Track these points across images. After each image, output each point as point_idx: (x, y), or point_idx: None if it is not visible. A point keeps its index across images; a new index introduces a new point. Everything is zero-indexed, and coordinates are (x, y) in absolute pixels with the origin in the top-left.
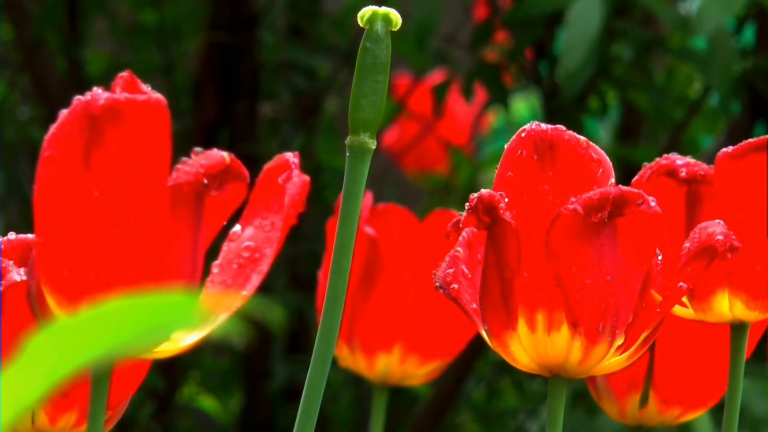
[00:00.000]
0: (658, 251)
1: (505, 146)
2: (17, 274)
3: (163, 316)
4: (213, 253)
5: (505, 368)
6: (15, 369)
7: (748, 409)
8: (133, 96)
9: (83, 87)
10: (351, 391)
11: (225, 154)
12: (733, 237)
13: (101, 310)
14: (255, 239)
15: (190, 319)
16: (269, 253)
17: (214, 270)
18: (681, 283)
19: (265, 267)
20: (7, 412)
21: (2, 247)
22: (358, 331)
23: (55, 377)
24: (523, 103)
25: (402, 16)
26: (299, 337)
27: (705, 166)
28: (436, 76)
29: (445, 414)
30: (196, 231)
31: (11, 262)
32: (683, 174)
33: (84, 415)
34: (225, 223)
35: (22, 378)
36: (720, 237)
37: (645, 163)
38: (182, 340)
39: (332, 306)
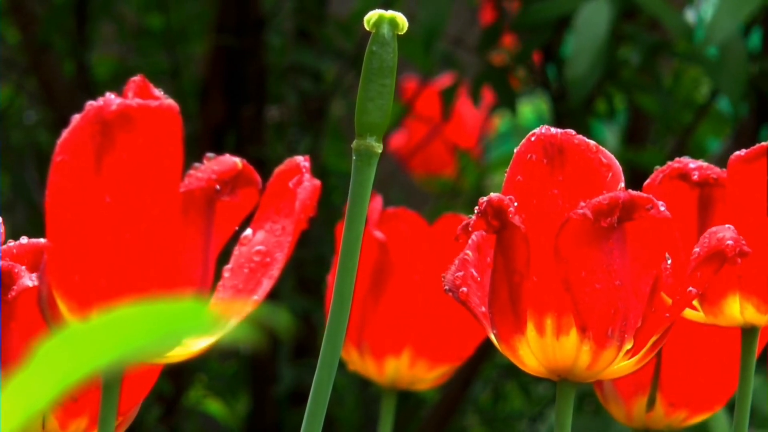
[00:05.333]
0: (667, 256)
1: (515, 150)
2: (29, 280)
3: (175, 322)
4: (224, 256)
5: (511, 372)
6: (26, 374)
7: (758, 408)
8: (145, 102)
9: (90, 91)
10: (357, 395)
11: (237, 160)
12: (743, 242)
13: (113, 316)
14: (266, 243)
15: (202, 325)
16: (280, 258)
17: (225, 274)
18: (690, 288)
19: (276, 272)
20: (18, 417)
21: (14, 251)
22: (368, 335)
23: (66, 383)
24: (529, 107)
25: (408, 19)
26: (306, 341)
27: (717, 169)
28: (443, 80)
29: (451, 417)
30: (208, 236)
31: (23, 267)
32: (695, 177)
33: (94, 420)
34: (237, 228)
35: (33, 383)
36: (730, 242)
37: (656, 167)
38: (193, 345)
39: (339, 309)
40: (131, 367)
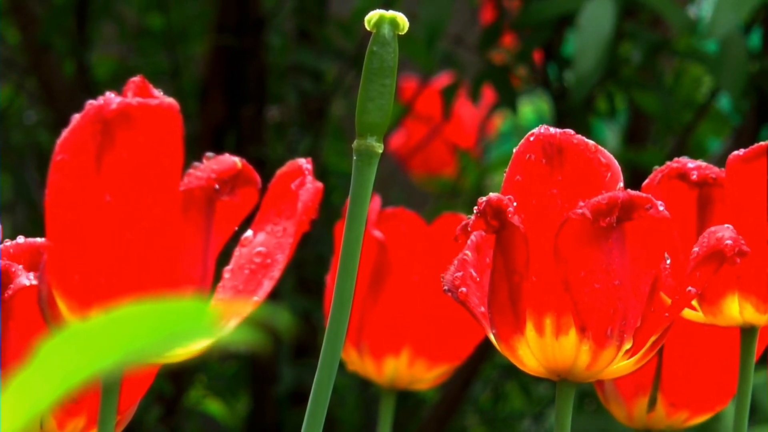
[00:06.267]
0: (666, 255)
1: (514, 150)
2: (26, 279)
3: (177, 323)
4: (225, 257)
5: (511, 372)
6: (26, 374)
7: (760, 405)
8: (145, 100)
9: (90, 91)
10: (357, 395)
11: (237, 159)
12: (742, 242)
13: (114, 317)
14: (267, 245)
15: (204, 327)
16: (281, 259)
17: (226, 275)
18: (690, 288)
19: (276, 273)
20: (19, 418)
21: (11, 251)
22: (367, 335)
23: (66, 384)
24: (529, 107)
25: (409, 18)
26: (306, 341)
27: (716, 169)
28: (443, 79)
29: (451, 417)
30: (207, 236)
31: (21, 266)
32: (694, 177)
33: (92, 420)
34: (236, 228)
35: (34, 384)
36: (729, 242)
37: (656, 167)
38: (193, 345)
39: (339, 310)
40: (132, 368)
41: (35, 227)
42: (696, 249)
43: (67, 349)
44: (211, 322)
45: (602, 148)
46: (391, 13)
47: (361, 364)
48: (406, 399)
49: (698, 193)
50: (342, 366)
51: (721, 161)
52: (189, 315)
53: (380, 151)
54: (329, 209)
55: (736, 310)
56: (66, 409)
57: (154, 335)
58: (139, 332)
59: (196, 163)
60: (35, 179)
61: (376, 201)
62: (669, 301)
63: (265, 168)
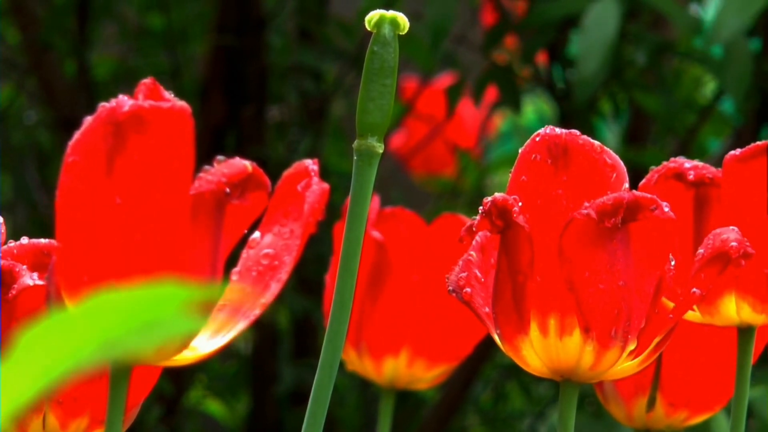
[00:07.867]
0: (671, 257)
1: (519, 150)
2: (30, 278)
3: (155, 311)
4: (232, 260)
5: (512, 372)
6: (9, 365)
7: (759, 416)
8: (157, 103)
9: (90, 91)
10: (358, 395)
11: (247, 163)
12: (747, 244)
13: (92, 306)
14: (274, 246)
15: (183, 318)
16: (288, 261)
17: (234, 277)
18: (694, 289)
19: (284, 275)
20: (6, 410)
21: (15, 251)
22: (366, 335)
23: (48, 376)
24: (530, 107)
25: (411, 18)
26: (306, 341)
27: (713, 169)
28: (443, 79)
29: (452, 417)
30: (217, 239)
31: (24, 266)
32: (691, 177)
33: (95, 420)
34: (246, 231)
35: (17, 375)
36: (734, 243)
37: (652, 167)
38: (201, 348)
39: (339, 310)
40: (114, 360)
41: (35, 227)
42: (701, 250)
43: (45, 339)
44: (191, 312)
45: (608, 149)
46: (391, 13)
47: (360, 364)
48: (406, 399)
49: (695, 193)
50: (342, 366)
51: (719, 161)
52: (169, 303)
53: (381, 151)
54: (329, 209)
55: (733, 310)
56: (68, 409)
57: (132, 324)
58: (117, 321)
59: (207, 167)
60: (35, 179)
61: (376, 201)
62: (672, 302)
63: (266, 168)
